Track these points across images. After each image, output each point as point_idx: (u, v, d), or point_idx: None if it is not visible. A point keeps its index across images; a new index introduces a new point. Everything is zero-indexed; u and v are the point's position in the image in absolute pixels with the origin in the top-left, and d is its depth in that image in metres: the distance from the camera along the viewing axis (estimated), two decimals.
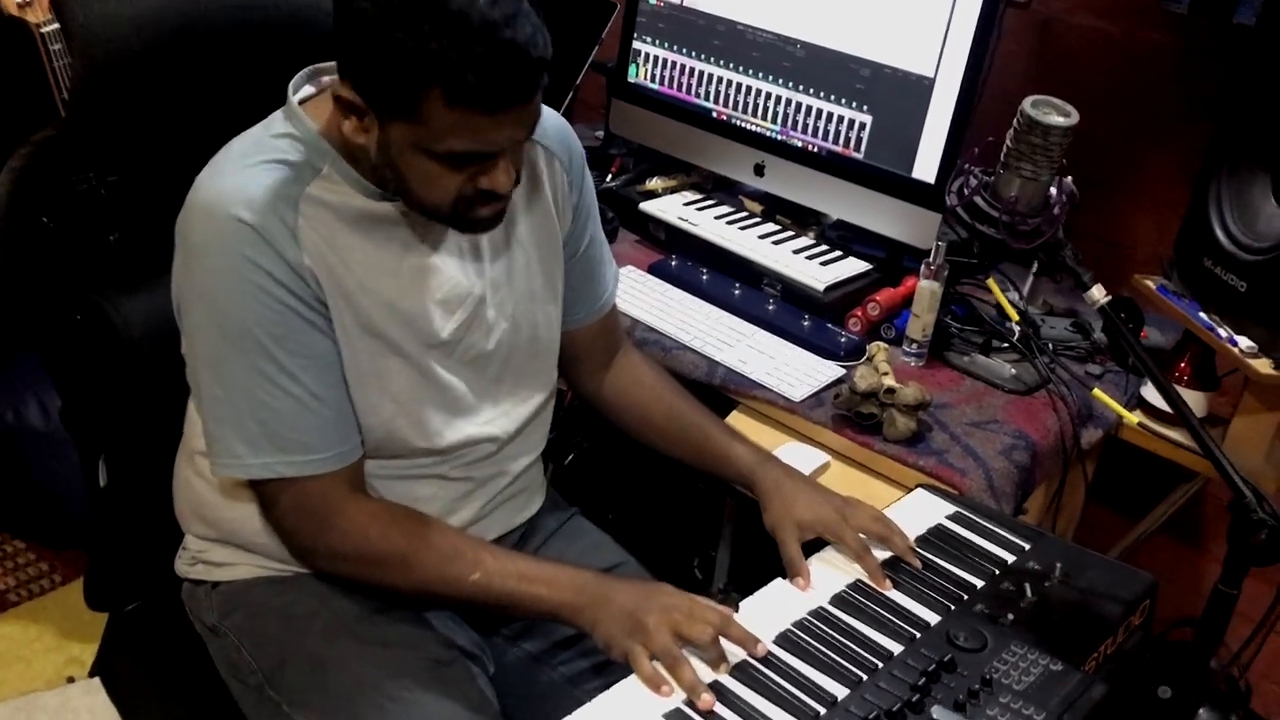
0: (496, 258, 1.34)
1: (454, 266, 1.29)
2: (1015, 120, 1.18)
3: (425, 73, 1.07)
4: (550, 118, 1.40)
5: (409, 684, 1.22)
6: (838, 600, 1.26)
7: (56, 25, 1.98)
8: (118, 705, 1.40)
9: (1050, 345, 1.86)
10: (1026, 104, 1.16)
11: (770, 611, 1.24)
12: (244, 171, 1.19)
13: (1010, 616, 1.23)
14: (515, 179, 1.20)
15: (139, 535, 1.44)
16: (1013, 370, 1.79)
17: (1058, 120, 1.15)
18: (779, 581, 1.30)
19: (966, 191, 1.22)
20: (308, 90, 1.26)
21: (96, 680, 1.50)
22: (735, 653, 1.16)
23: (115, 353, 1.34)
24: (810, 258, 1.96)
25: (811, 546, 1.35)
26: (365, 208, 1.22)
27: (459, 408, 1.33)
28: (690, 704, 1.10)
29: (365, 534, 1.23)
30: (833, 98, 1.92)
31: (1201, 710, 1.98)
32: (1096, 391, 1.64)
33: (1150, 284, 1.77)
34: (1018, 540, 1.40)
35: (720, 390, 1.74)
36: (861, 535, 1.32)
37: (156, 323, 1.35)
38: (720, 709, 1.10)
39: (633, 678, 1.14)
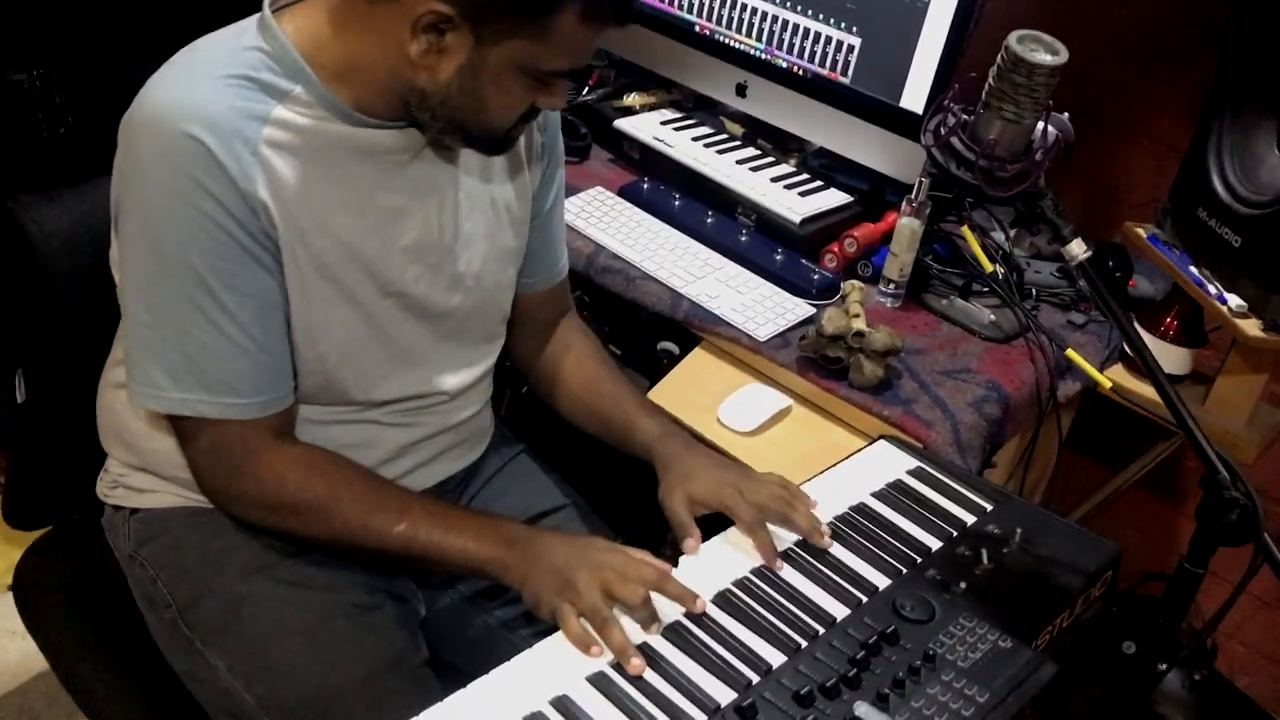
0: (472, 211, 1.25)
1: (428, 213, 1.21)
2: (999, 56, 1.09)
3: None
4: None
5: (328, 627, 1.16)
6: (784, 558, 1.20)
7: None
8: (28, 625, 1.35)
9: (1034, 291, 1.78)
10: (1012, 39, 1.06)
11: (712, 569, 1.18)
12: (205, 83, 1.08)
13: (963, 585, 1.17)
14: None
15: (59, 454, 1.37)
16: (992, 316, 1.71)
17: (1045, 59, 1.06)
18: (721, 536, 1.23)
19: (944, 131, 1.13)
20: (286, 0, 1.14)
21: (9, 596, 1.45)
22: (673, 610, 1.10)
23: (31, 264, 1.26)
24: (789, 187, 1.86)
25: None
26: (341, 135, 1.13)
27: (406, 361, 1.25)
28: (617, 666, 1.05)
29: (283, 483, 1.16)
30: (821, 16, 1.81)
31: (1166, 669, 1.94)
32: (1071, 353, 1.56)
33: (1141, 232, 1.68)
34: (980, 501, 1.33)
35: (684, 325, 1.66)
36: (759, 510, 1.22)
37: (78, 235, 1.27)
38: (648, 674, 1.04)
39: (560, 635, 1.09)
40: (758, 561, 1.19)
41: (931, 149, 1.13)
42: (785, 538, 1.23)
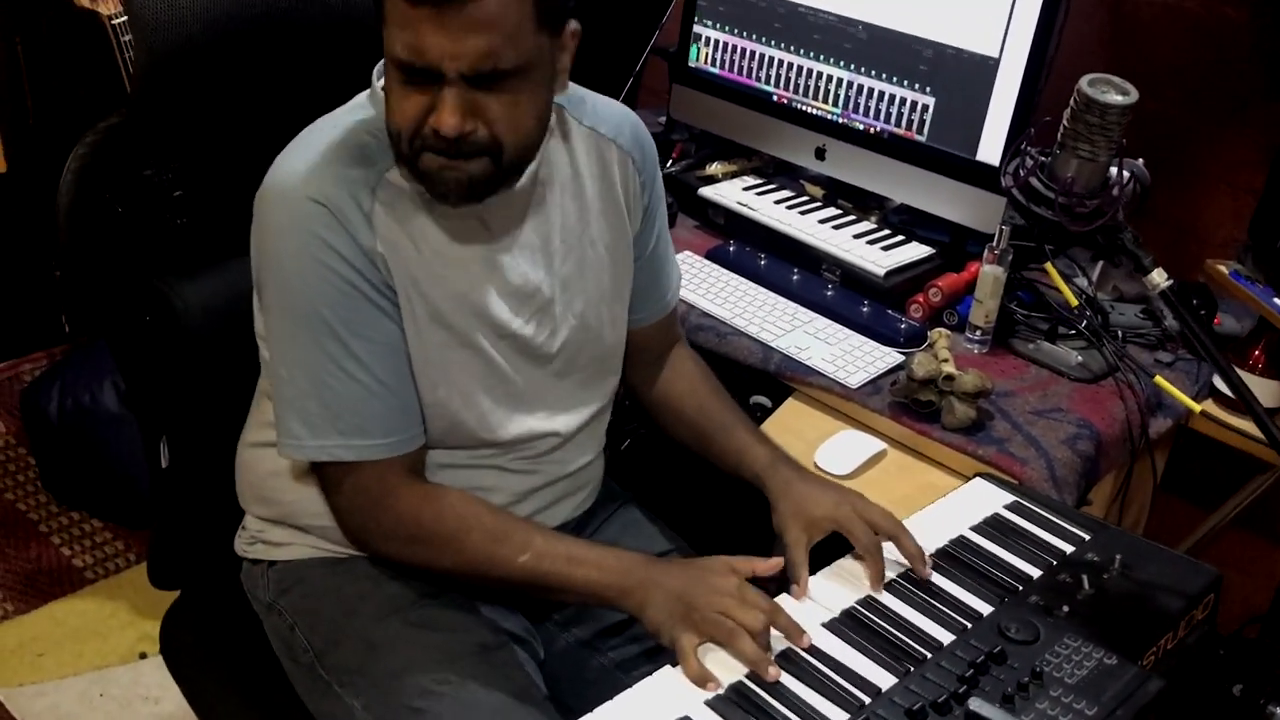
0: (568, 255, 1.33)
1: (526, 261, 1.29)
2: (1073, 99, 1.15)
3: None
4: (623, 114, 1.39)
5: (456, 667, 1.23)
6: (890, 589, 1.25)
7: (126, 17, 2.02)
8: (178, 679, 1.43)
9: (1119, 332, 1.81)
10: (1084, 82, 1.13)
11: (821, 599, 1.23)
12: (322, 154, 1.20)
13: (1065, 609, 1.21)
14: (494, 148, 1.16)
15: (200, 515, 1.47)
16: (1079, 358, 1.74)
17: (1116, 99, 1.12)
18: (826, 569, 1.28)
19: (1023, 172, 1.19)
20: None
21: None
22: (779, 642, 1.15)
23: (176, 336, 1.37)
24: (871, 242, 1.93)
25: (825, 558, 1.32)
26: None
27: (521, 402, 1.33)
28: (733, 690, 1.09)
29: (418, 516, 1.24)
30: (894, 79, 1.89)
31: (1274, 708, 1.92)
32: (1159, 379, 1.59)
33: (1223, 269, 1.71)
34: (1077, 531, 1.36)
35: (775, 376, 1.72)
36: (875, 531, 1.28)
37: (217, 307, 1.38)
38: (764, 696, 1.09)
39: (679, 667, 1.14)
40: (864, 593, 1.24)
41: (1012, 190, 1.19)
42: (888, 571, 1.27)
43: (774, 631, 1.16)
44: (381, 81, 1.24)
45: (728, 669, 1.12)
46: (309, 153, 1.21)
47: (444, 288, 1.24)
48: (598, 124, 1.36)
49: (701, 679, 1.11)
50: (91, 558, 2.43)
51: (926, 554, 1.28)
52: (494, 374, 1.30)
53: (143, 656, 2.18)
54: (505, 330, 1.29)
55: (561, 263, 1.33)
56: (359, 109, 1.25)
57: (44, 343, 2.95)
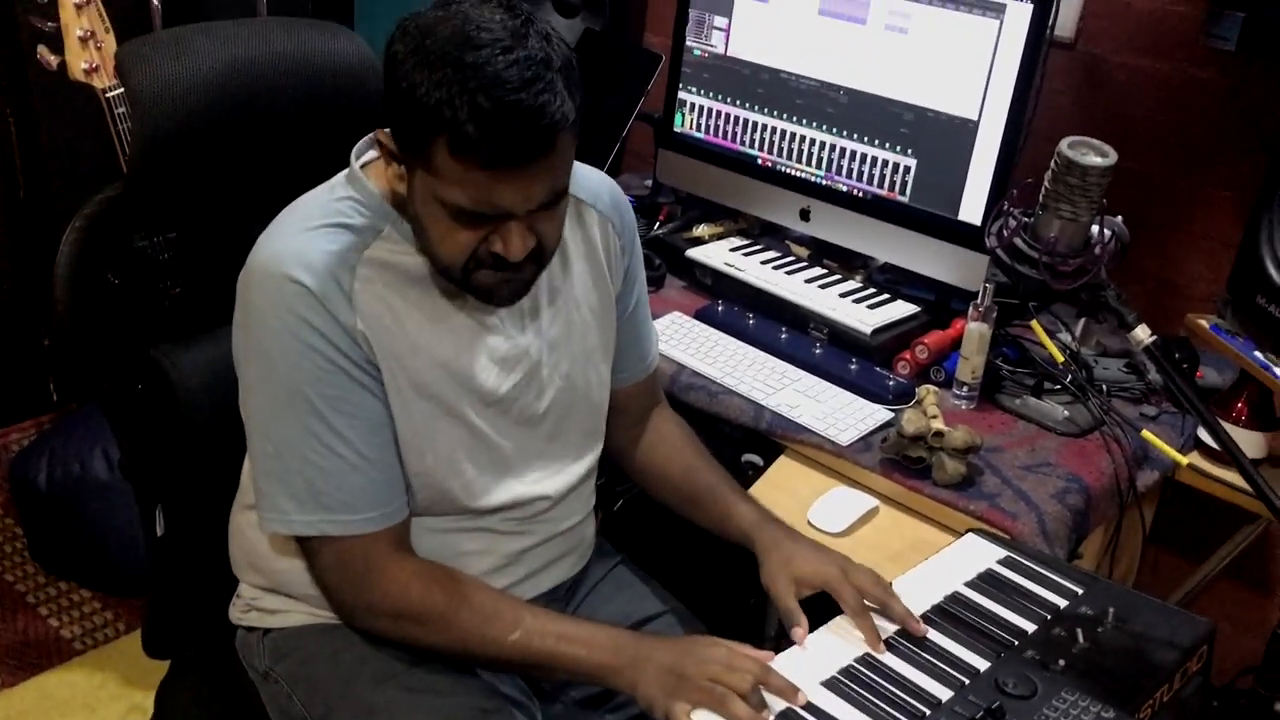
0: (555, 318, 1.35)
1: (512, 325, 1.31)
2: (1054, 161, 1.18)
3: (433, 118, 1.09)
4: (601, 181, 1.42)
5: None
6: (887, 647, 1.25)
7: (121, 90, 2.05)
8: None
9: (1104, 387, 1.84)
10: (1064, 145, 1.16)
11: (819, 657, 1.23)
12: (304, 234, 1.22)
13: (1061, 663, 1.21)
14: (541, 255, 1.21)
15: (194, 584, 1.47)
16: (1065, 412, 1.77)
17: (1096, 161, 1.15)
18: (824, 628, 1.29)
19: (1006, 233, 1.22)
20: (370, 155, 1.29)
21: None
22: (777, 703, 1.16)
23: (172, 405, 1.38)
24: (857, 301, 1.96)
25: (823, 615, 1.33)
26: (426, 268, 1.25)
27: (509, 467, 1.34)
28: None
29: (406, 592, 1.24)
30: (876, 142, 1.93)
31: None
32: (1146, 433, 1.61)
33: (1204, 323, 1.74)
34: (1070, 585, 1.37)
35: (767, 435, 1.74)
36: (862, 594, 1.28)
37: (212, 376, 1.39)
38: None
39: None
40: (861, 651, 1.24)
41: (996, 250, 1.22)
42: (885, 627, 1.28)
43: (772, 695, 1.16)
44: (361, 162, 1.27)
45: None
46: (289, 233, 1.23)
47: (427, 358, 1.25)
48: (576, 190, 1.38)
49: None
50: (80, 628, 2.41)
51: (916, 614, 1.28)
52: (480, 442, 1.31)
53: None
54: (492, 396, 1.30)
55: (549, 325, 1.34)
56: (338, 188, 1.27)
57: (32, 411, 2.94)
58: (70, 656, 2.33)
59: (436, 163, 1.12)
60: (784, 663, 1.22)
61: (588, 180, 1.41)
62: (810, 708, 1.16)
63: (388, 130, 1.18)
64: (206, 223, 1.46)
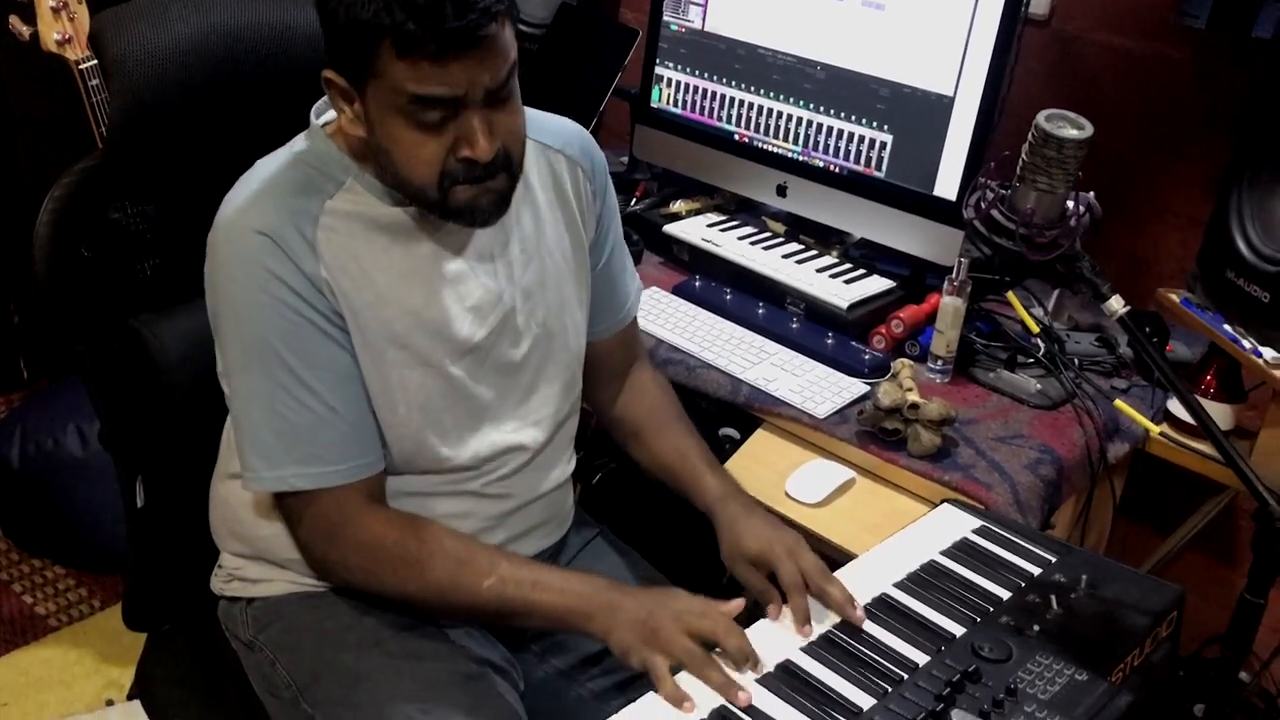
0: (528, 264, 1.35)
1: (485, 273, 1.31)
2: (1030, 134, 1.20)
3: (373, 29, 1.11)
4: (571, 128, 1.43)
5: (440, 697, 1.23)
6: (864, 613, 1.27)
7: (95, 62, 2.03)
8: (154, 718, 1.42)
9: (1076, 360, 1.86)
10: (1041, 118, 1.18)
11: (790, 626, 1.25)
12: (266, 189, 1.23)
13: (1036, 628, 1.24)
14: (509, 163, 1.21)
15: (175, 555, 1.47)
16: (1038, 385, 1.79)
17: (1072, 133, 1.17)
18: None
19: (984, 205, 1.24)
20: (330, 115, 1.29)
21: (135, 703, 1.52)
22: (770, 655, 1.18)
23: (151, 375, 1.38)
24: (833, 276, 1.97)
25: None
26: (391, 217, 1.25)
27: (487, 417, 1.34)
28: (716, 711, 1.11)
29: (380, 541, 1.25)
30: (853, 118, 1.94)
31: None
32: (1119, 402, 1.64)
33: (1174, 297, 1.77)
34: (1044, 553, 1.40)
35: (744, 408, 1.75)
36: (800, 577, 1.27)
37: (191, 346, 1.38)
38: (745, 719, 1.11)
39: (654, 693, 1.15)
40: (836, 619, 1.26)
41: (974, 222, 1.24)
42: (861, 595, 1.29)
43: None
44: (322, 120, 1.28)
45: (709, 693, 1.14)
46: (251, 188, 1.24)
47: (398, 308, 1.26)
48: (545, 138, 1.39)
49: (677, 699, 1.12)
50: (55, 605, 2.40)
51: (889, 583, 1.30)
52: (457, 391, 1.31)
53: (109, 703, 2.15)
54: (467, 345, 1.30)
55: (522, 272, 1.35)
56: (298, 144, 1.28)
57: (2, 388, 2.92)
58: (45, 633, 2.32)
59: (386, 71, 1.13)
60: (761, 631, 1.24)
61: (556, 126, 1.41)
62: (789, 668, 1.17)
63: (330, 70, 1.19)
64: (186, 193, 1.46)
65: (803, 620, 1.24)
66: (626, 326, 1.54)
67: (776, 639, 1.22)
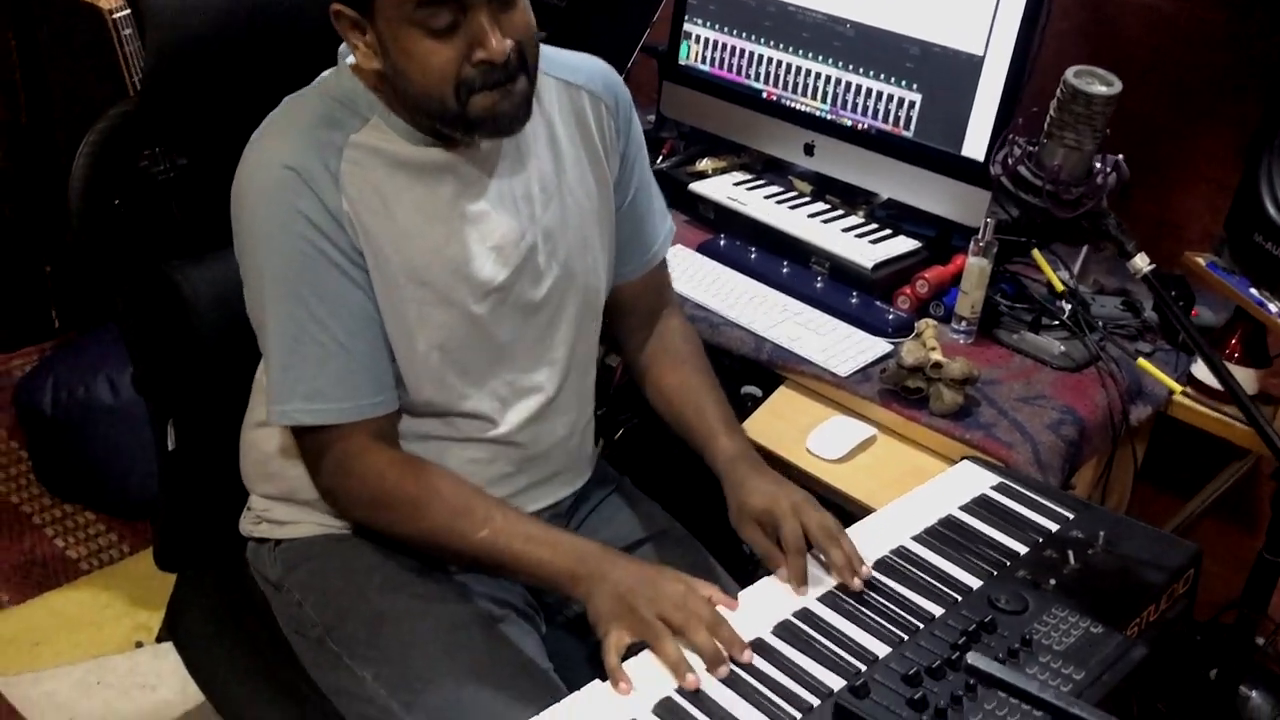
0: (549, 205, 1.35)
1: (507, 213, 1.32)
2: (1059, 89, 1.20)
3: None
4: (595, 64, 1.42)
5: (462, 638, 1.26)
6: (881, 566, 1.28)
7: (127, 11, 2.05)
8: (185, 660, 1.45)
9: (1100, 323, 1.86)
10: (1069, 74, 1.18)
11: (816, 574, 1.27)
12: (291, 126, 1.25)
13: (1053, 582, 1.25)
14: (524, 63, 1.21)
15: (205, 497, 1.50)
16: (1062, 347, 1.79)
17: (1100, 89, 1.17)
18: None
19: (1010, 161, 1.24)
20: (353, 57, 1.29)
21: (164, 645, 1.56)
22: (786, 605, 1.19)
23: (184, 320, 1.40)
24: (859, 236, 1.97)
25: None
26: (414, 155, 1.26)
27: (505, 357, 1.35)
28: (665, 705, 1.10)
29: (381, 479, 1.27)
30: (882, 76, 1.94)
31: (1250, 691, 1.98)
32: (1142, 361, 1.64)
33: (1200, 260, 1.76)
34: (1062, 510, 1.41)
35: (767, 366, 1.76)
36: (804, 536, 1.27)
37: (222, 292, 1.40)
38: (762, 664, 1.13)
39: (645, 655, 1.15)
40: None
41: (1000, 178, 1.24)
42: (879, 548, 1.31)
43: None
44: (350, 58, 1.28)
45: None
46: (277, 126, 1.26)
47: (420, 245, 1.27)
48: (568, 75, 1.39)
49: (615, 676, 1.12)
50: (86, 549, 2.45)
51: (907, 536, 1.31)
52: (477, 330, 1.32)
53: (139, 645, 2.20)
54: (489, 285, 1.31)
55: (543, 211, 1.35)
56: (324, 81, 1.30)
57: (34, 338, 2.96)
58: (77, 576, 2.37)
59: None
60: (773, 584, 1.26)
61: (580, 63, 1.41)
62: (809, 618, 1.19)
63: (337, 3, 1.20)
64: (219, 140, 1.47)
65: (800, 581, 1.24)
66: (655, 269, 1.53)
67: (789, 590, 1.24)
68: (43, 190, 2.79)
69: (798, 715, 1.07)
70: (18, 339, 2.94)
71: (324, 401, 1.25)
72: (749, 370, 1.82)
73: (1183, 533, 2.11)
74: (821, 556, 1.27)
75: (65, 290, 2.94)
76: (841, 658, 1.14)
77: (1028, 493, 1.44)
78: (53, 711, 2.05)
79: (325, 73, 1.31)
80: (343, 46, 1.30)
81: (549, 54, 1.37)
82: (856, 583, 1.23)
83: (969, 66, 1.83)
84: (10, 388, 2.71)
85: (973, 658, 0.92)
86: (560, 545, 1.25)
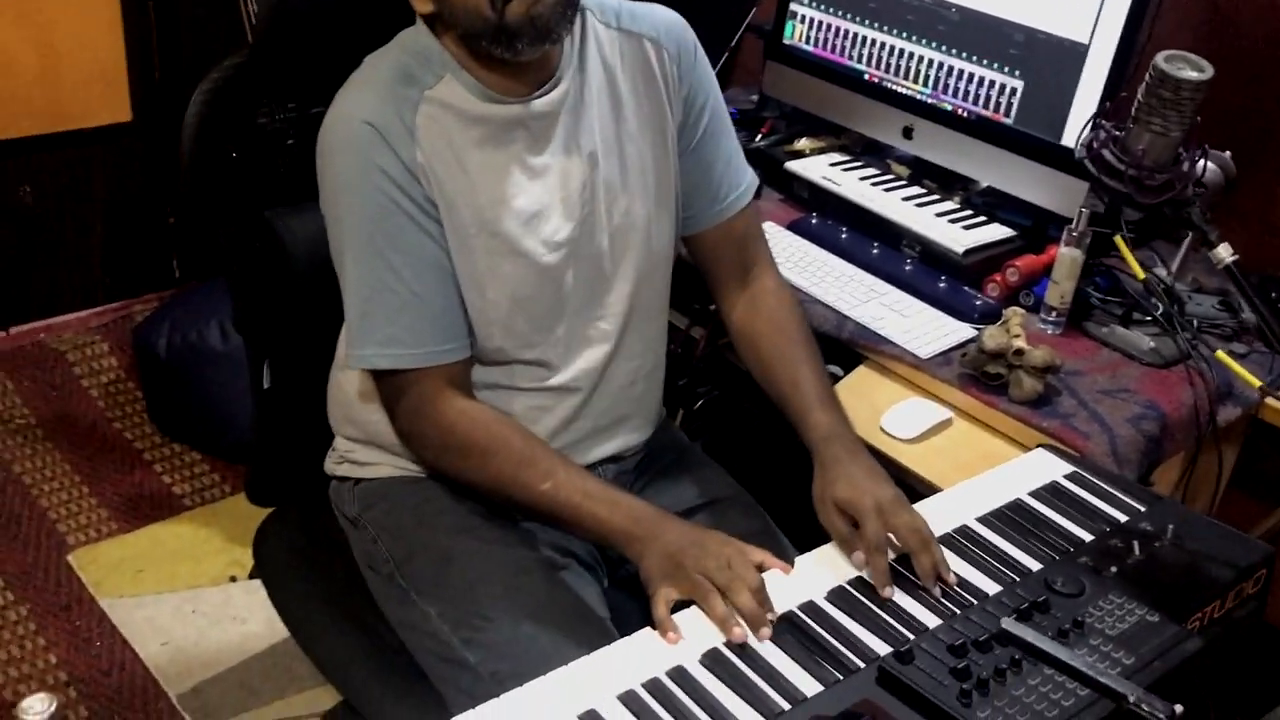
0: (609, 155, 1.38)
1: (571, 164, 1.35)
2: (1148, 74, 1.18)
3: None
4: (663, 14, 1.44)
5: (524, 582, 1.31)
6: (942, 542, 1.28)
7: None
8: (267, 586, 1.53)
9: (1194, 321, 1.82)
10: (1160, 58, 1.16)
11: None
12: (371, 83, 1.31)
13: (1114, 569, 1.24)
14: None
15: (295, 435, 1.57)
16: (1152, 343, 1.76)
17: (1190, 74, 1.15)
18: None
19: (1095, 145, 1.23)
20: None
21: (255, 581, 1.64)
22: (839, 572, 1.21)
23: (282, 264, 1.47)
24: (953, 221, 1.96)
25: None
26: (483, 112, 1.31)
27: (570, 305, 1.39)
28: (785, 619, 1.15)
29: (452, 428, 1.32)
30: (985, 62, 1.92)
31: None
32: (1221, 354, 1.60)
33: None
34: (1133, 502, 1.39)
35: (848, 344, 1.77)
36: (889, 536, 1.24)
37: (317, 239, 1.46)
38: (811, 624, 1.15)
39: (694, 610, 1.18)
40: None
41: (1084, 161, 1.23)
42: (942, 525, 1.31)
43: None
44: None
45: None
46: (359, 81, 1.32)
47: (489, 197, 1.31)
48: (634, 25, 1.41)
49: (664, 628, 1.14)
50: (190, 486, 2.57)
51: (971, 517, 1.31)
52: (545, 279, 1.36)
53: (232, 580, 2.31)
54: (556, 236, 1.35)
55: (604, 161, 1.38)
56: (403, 37, 1.34)
57: (155, 285, 3.11)
58: (180, 511, 2.49)
59: None
60: (832, 551, 1.27)
61: (647, 14, 1.43)
62: (859, 582, 1.21)
63: None
64: (320, 93, 1.54)
65: (884, 582, 1.20)
66: (732, 221, 1.51)
67: (842, 562, 1.25)
68: (171, 144, 2.92)
69: (840, 676, 1.09)
70: (141, 285, 3.10)
71: (399, 347, 1.30)
72: (830, 348, 1.82)
73: (1270, 539, 2.05)
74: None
75: (186, 241, 3.08)
76: (891, 626, 1.15)
77: (1100, 483, 1.43)
78: (150, 634, 2.17)
79: (404, 30, 1.35)
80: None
81: (617, 7, 1.41)
82: (937, 590, 1.20)
83: (1073, 54, 1.80)
84: (131, 331, 2.85)
85: (1006, 623, 0.92)
86: (618, 505, 1.28)
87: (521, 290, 1.35)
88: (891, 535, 1.24)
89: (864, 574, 1.23)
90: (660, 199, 1.44)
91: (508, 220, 1.33)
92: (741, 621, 1.14)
